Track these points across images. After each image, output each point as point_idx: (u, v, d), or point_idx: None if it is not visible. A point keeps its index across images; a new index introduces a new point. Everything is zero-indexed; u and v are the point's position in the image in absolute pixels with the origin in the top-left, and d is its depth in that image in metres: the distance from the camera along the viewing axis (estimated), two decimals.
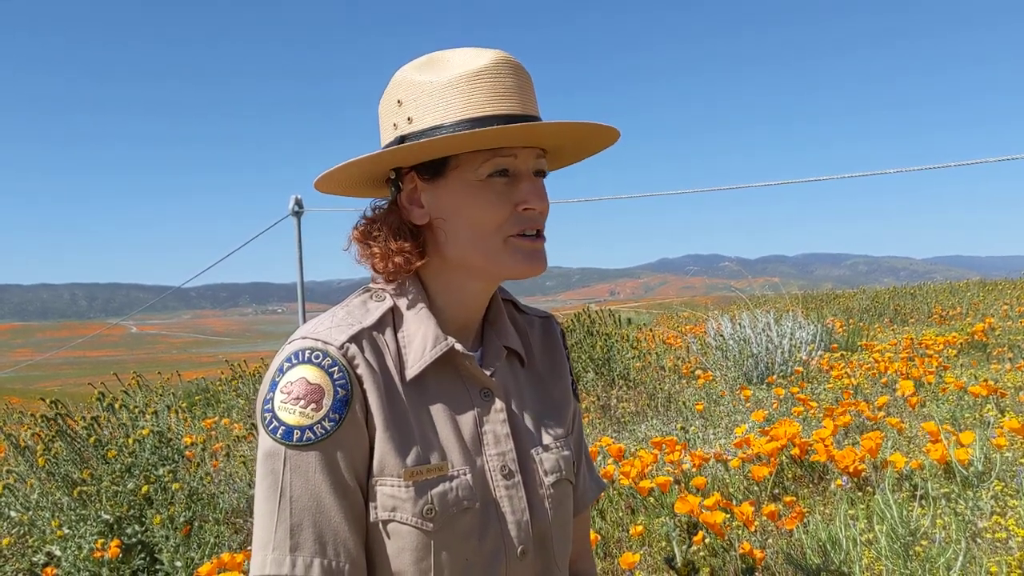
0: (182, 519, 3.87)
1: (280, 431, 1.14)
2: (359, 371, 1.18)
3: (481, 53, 1.21)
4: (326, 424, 1.14)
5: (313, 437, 1.13)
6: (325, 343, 1.18)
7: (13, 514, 4.33)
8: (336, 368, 1.16)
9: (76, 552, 3.73)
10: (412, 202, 1.25)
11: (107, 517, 3.97)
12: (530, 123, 1.17)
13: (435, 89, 1.19)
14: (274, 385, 1.17)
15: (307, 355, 1.17)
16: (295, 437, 1.13)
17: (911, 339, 9.07)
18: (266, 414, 1.16)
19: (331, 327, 1.21)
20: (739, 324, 8.41)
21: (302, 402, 1.14)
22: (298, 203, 12.36)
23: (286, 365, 1.18)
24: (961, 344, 8.46)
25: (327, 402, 1.14)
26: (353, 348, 1.19)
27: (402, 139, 1.20)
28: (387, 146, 1.23)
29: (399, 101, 1.22)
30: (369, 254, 1.27)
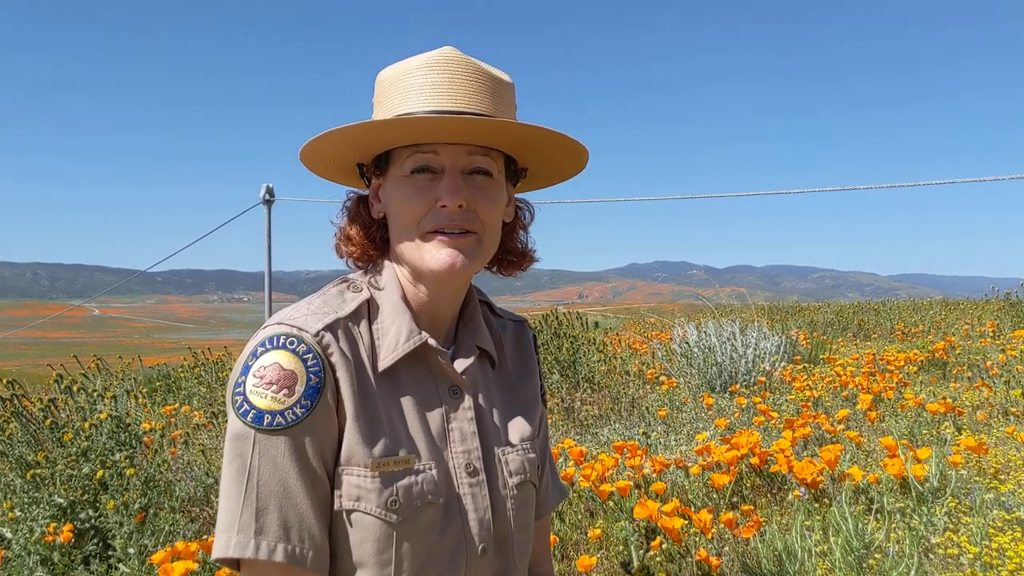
0: (137, 506, 3.83)
1: (251, 414, 1.13)
2: (333, 359, 1.18)
3: (430, 53, 1.23)
4: (297, 410, 1.13)
5: (284, 422, 1.13)
6: (300, 330, 1.18)
7: None
8: (310, 355, 1.16)
9: (27, 535, 3.68)
10: (375, 197, 1.31)
11: (60, 501, 3.91)
12: (439, 116, 1.17)
13: (383, 87, 1.25)
14: (247, 369, 1.16)
15: (282, 341, 1.17)
16: (265, 421, 1.13)
17: (873, 354, 9.17)
18: (237, 397, 1.15)
19: (307, 314, 1.21)
20: (704, 332, 8.47)
21: (274, 387, 1.14)
22: (269, 192, 12.27)
23: (260, 350, 1.17)
24: (922, 361, 8.57)
25: (299, 388, 1.14)
26: (328, 336, 1.19)
27: None
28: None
29: (375, 98, 1.28)
30: (341, 245, 1.33)
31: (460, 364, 1.31)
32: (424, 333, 1.26)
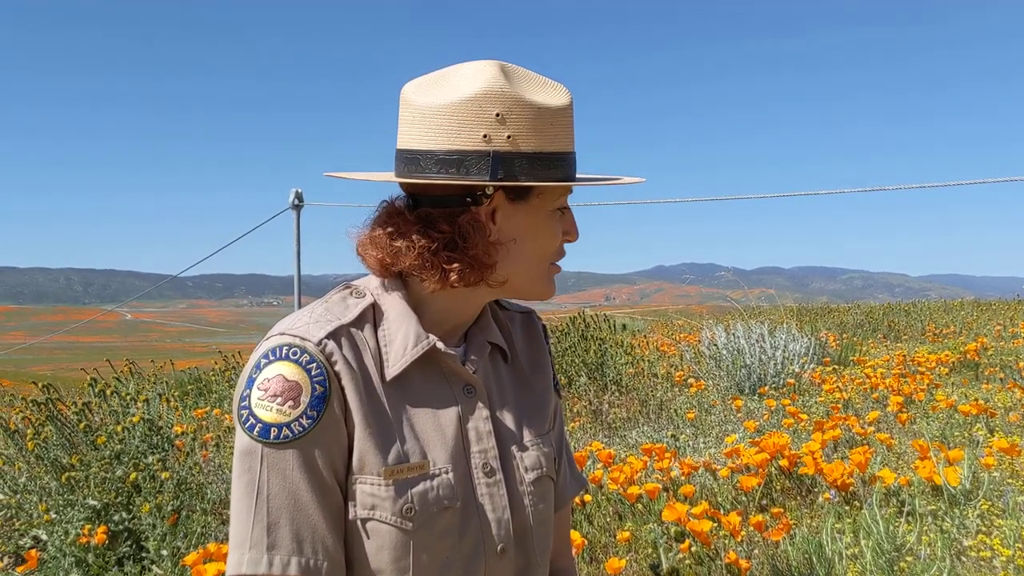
0: (170, 508, 3.87)
1: (257, 429, 1.13)
2: (337, 368, 1.17)
3: (557, 87, 1.26)
4: (304, 422, 1.13)
5: (290, 435, 1.13)
6: (303, 339, 1.17)
7: (1, 496, 4.33)
8: (314, 364, 1.15)
9: (63, 537, 3.73)
10: (488, 218, 1.23)
11: (95, 503, 3.96)
12: (624, 180, 1.32)
13: (537, 116, 1.20)
14: (251, 382, 1.16)
15: (285, 351, 1.16)
16: (272, 435, 1.13)
17: (904, 356, 9.09)
18: (243, 411, 1.15)
19: (309, 323, 1.20)
20: (733, 334, 8.43)
21: (279, 399, 1.13)
22: (298, 196, 12.35)
23: (263, 362, 1.17)
24: (953, 363, 8.48)
25: (304, 399, 1.14)
26: (331, 344, 1.18)
27: (503, 156, 1.18)
28: (471, 154, 1.19)
29: (498, 115, 1.18)
30: (440, 268, 1.22)
31: (472, 362, 1.30)
32: (432, 336, 1.24)
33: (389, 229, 1.24)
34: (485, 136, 1.18)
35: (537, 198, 1.24)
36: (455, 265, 1.21)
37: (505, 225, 1.23)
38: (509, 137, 1.18)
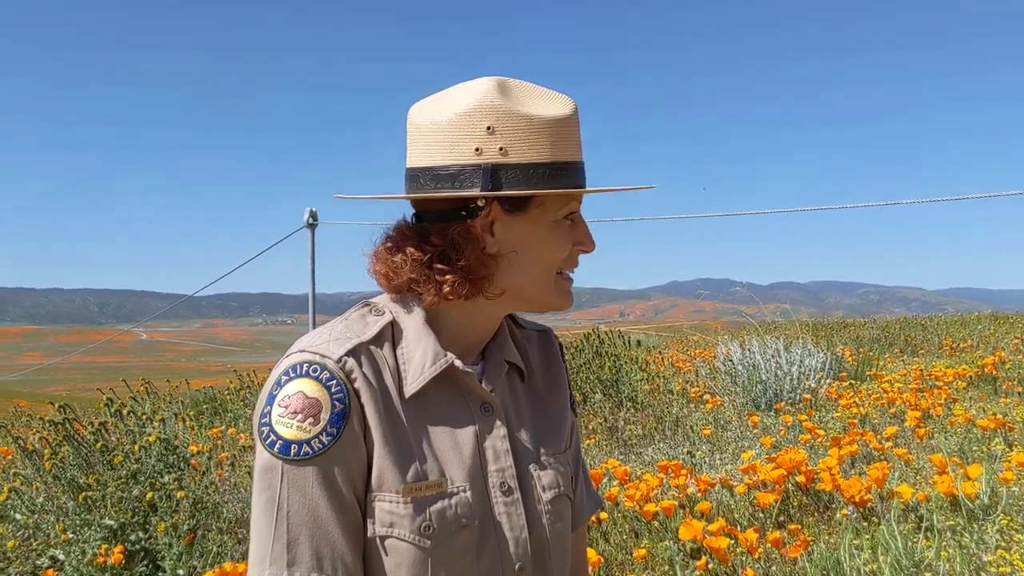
0: (186, 527, 3.88)
1: (277, 445, 1.14)
2: (357, 385, 1.17)
3: (560, 97, 1.26)
4: (323, 439, 1.13)
5: (310, 451, 1.13)
6: (323, 356, 1.18)
7: (18, 517, 4.35)
8: (334, 382, 1.16)
9: (80, 557, 3.74)
10: (484, 230, 1.24)
11: (111, 523, 3.97)
12: (630, 187, 1.33)
13: (532, 126, 1.21)
14: (271, 399, 1.17)
15: (305, 368, 1.17)
16: (292, 452, 1.13)
17: (921, 370, 9.03)
18: (263, 428, 1.16)
19: (329, 340, 1.21)
20: (748, 350, 8.40)
21: (299, 416, 1.14)
22: (313, 216, 12.42)
23: (284, 379, 1.17)
24: (971, 377, 8.42)
25: (324, 416, 1.14)
26: (351, 362, 1.18)
27: (495, 168, 1.20)
28: (464, 168, 1.21)
29: (490, 128, 1.20)
30: (434, 280, 1.23)
31: (490, 379, 1.31)
32: (450, 355, 1.24)
33: (389, 244, 1.27)
34: (477, 149, 1.20)
35: (537, 208, 1.24)
36: (448, 277, 1.22)
37: (505, 236, 1.24)
38: (501, 149, 1.20)
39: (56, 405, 5.19)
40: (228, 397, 9.81)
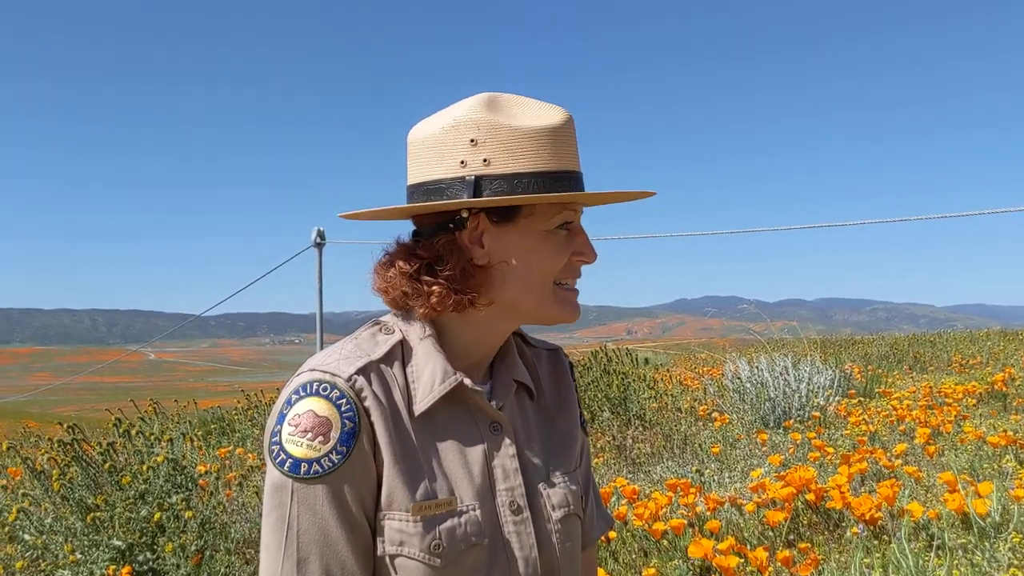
0: (193, 548, 3.87)
1: (287, 464, 1.14)
2: (367, 404, 1.18)
3: (551, 108, 1.25)
4: (333, 457, 1.14)
5: (320, 470, 1.13)
6: (333, 375, 1.18)
7: (27, 537, 4.35)
8: (344, 400, 1.16)
9: None
10: (473, 242, 1.25)
11: (119, 543, 3.97)
12: (617, 192, 1.27)
13: (516, 137, 1.21)
14: (282, 418, 1.17)
15: (315, 387, 1.18)
16: (302, 470, 1.14)
17: (930, 387, 8.99)
18: (274, 447, 1.16)
19: (339, 359, 1.22)
20: (757, 367, 8.37)
21: (309, 435, 1.14)
22: (320, 235, 12.45)
23: (294, 397, 1.18)
24: (981, 394, 8.39)
25: (335, 435, 1.14)
26: (361, 380, 1.19)
27: (478, 180, 1.20)
28: (451, 181, 1.23)
29: (473, 140, 1.22)
30: (422, 290, 1.24)
31: (499, 398, 1.31)
32: (459, 374, 1.24)
33: (384, 259, 1.29)
34: (462, 162, 1.22)
35: (526, 218, 1.24)
36: (435, 288, 1.23)
37: (495, 247, 1.25)
38: (485, 160, 1.21)
39: (65, 425, 5.20)
40: (236, 417, 9.81)
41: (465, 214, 1.24)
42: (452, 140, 1.23)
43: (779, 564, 3.25)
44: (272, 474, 1.17)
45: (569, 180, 1.23)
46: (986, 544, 3.40)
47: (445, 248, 1.24)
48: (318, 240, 12.46)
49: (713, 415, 8.01)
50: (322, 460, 1.14)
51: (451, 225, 1.24)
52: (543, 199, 1.21)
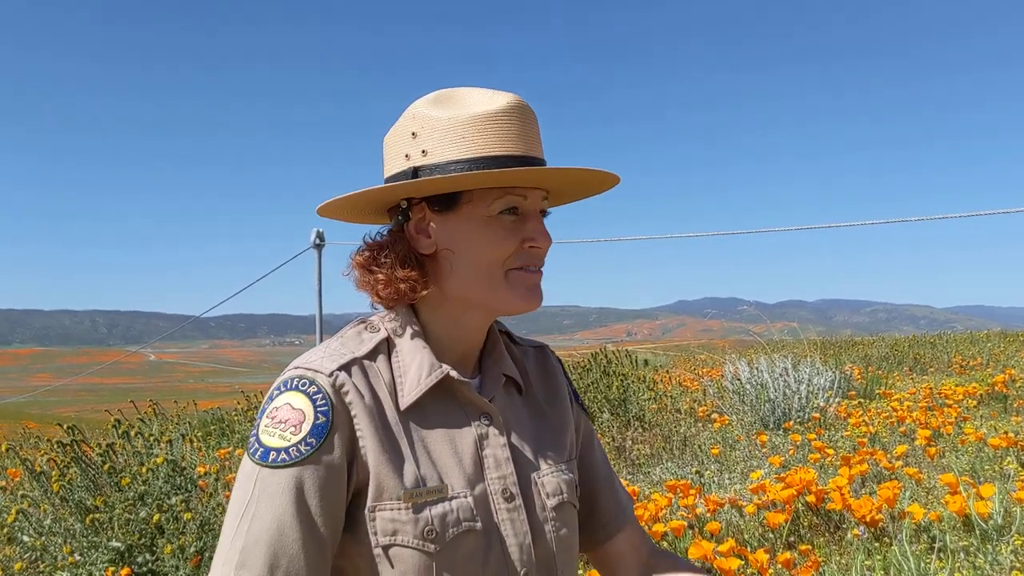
0: (192, 549, 3.86)
1: (259, 452, 1.17)
2: (348, 398, 1.20)
3: (497, 95, 1.26)
4: (301, 447, 1.15)
5: (287, 459, 1.15)
6: (315, 372, 1.21)
7: (26, 539, 4.34)
8: (320, 396, 1.19)
9: None
10: (420, 232, 1.28)
11: (118, 545, 3.96)
12: (544, 167, 1.24)
13: (452, 126, 1.23)
14: (263, 412, 1.21)
15: (295, 383, 1.21)
16: (270, 458, 1.16)
17: (930, 388, 8.99)
18: (251, 438, 1.20)
19: (323, 357, 1.24)
20: (756, 368, 8.37)
21: (282, 425, 1.17)
22: (319, 236, 12.45)
23: (276, 393, 1.22)
24: (981, 395, 8.38)
25: (306, 427, 1.16)
26: (343, 376, 1.21)
27: (415, 170, 1.24)
28: (396, 175, 1.27)
29: (414, 133, 1.26)
30: (372, 280, 1.29)
31: (488, 392, 1.33)
32: (445, 366, 1.27)
33: (354, 257, 1.35)
34: (406, 155, 1.26)
35: (467, 205, 1.25)
36: (380, 277, 1.28)
37: (440, 236, 1.27)
38: (424, 152, 1.24)
39: (64, 426, 5.18)
40: (236, 418, 9.80)
41: (405, 204, 1.28)
42: (399, 136, 1.28)
43: (780, 566, 3.24)
44: (244, 462, 1.20)
45: (510, 164, 1.22)
46: (988, 547, 3.40)
47: (389, 238, 1.30)
48: (317, 241, 12.47)
49: (713, 416, 8.01)
50: (290, 449, 1.16)
51: (400, 218, 1.29)
52: (464, 180, 1.21)
